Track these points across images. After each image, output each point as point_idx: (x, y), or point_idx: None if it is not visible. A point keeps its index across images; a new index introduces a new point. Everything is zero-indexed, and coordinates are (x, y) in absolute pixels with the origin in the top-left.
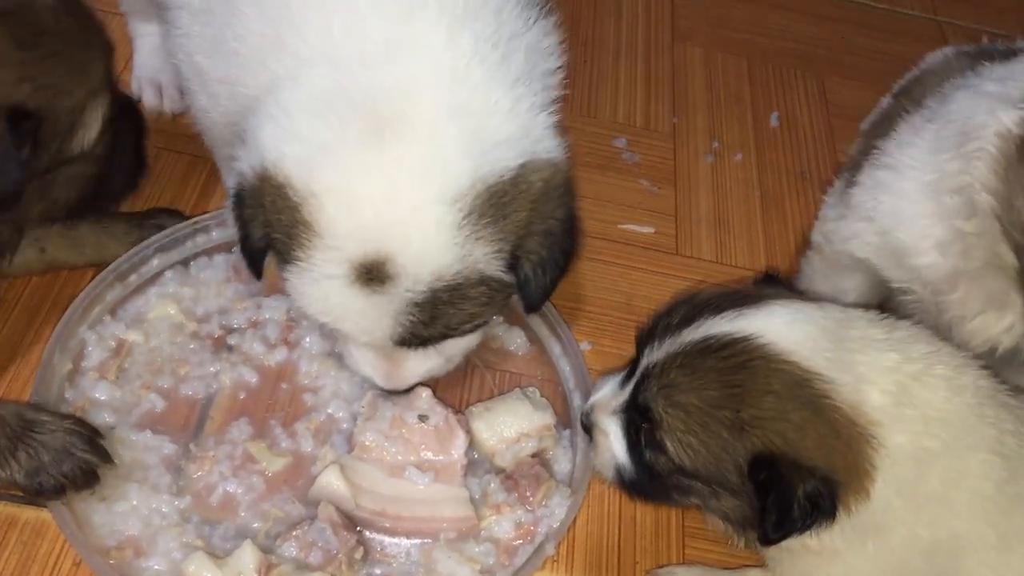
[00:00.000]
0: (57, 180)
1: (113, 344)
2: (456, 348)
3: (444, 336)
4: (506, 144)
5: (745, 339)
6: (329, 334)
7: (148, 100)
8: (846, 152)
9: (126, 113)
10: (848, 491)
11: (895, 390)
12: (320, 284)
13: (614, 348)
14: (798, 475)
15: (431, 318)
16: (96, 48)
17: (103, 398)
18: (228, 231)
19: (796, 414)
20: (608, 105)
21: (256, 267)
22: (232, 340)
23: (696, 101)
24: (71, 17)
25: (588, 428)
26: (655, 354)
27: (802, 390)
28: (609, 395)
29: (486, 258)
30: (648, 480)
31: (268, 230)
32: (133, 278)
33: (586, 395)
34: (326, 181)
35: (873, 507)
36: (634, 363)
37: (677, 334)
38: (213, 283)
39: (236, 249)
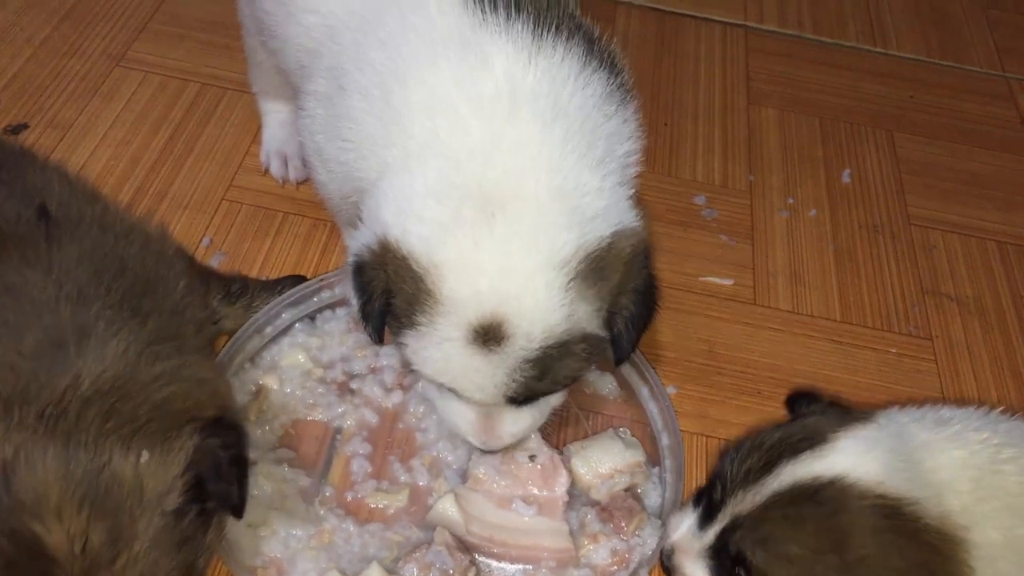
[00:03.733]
0: None
1: (253, 388)
2: (546, 406)
3: (550, 390)
4: (599, 218)
5: (832, 482)
6: (428, 393)
7: (275, 170)
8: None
9: None
10: None
11: (971, 487)
12: (441, 346)
13: (697, 392)
14: None
15: (542, 373)
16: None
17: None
18: (348, 288)
19: (896, 543)
20: (688, 165)
21: (379, 332)
22: (354, 384)
23: (771, 160)
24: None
25: (670, 570)
26: (742, 503)
27: (896, 520)
28: (689, 536)
29: (588, 316)
30: None
31: (388, 297)
32: (268, 330)
33: (673, 435)
34: (446, 254)
35: None
36: (707, 500)
37: (759, 482)
38: (336, 333)
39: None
